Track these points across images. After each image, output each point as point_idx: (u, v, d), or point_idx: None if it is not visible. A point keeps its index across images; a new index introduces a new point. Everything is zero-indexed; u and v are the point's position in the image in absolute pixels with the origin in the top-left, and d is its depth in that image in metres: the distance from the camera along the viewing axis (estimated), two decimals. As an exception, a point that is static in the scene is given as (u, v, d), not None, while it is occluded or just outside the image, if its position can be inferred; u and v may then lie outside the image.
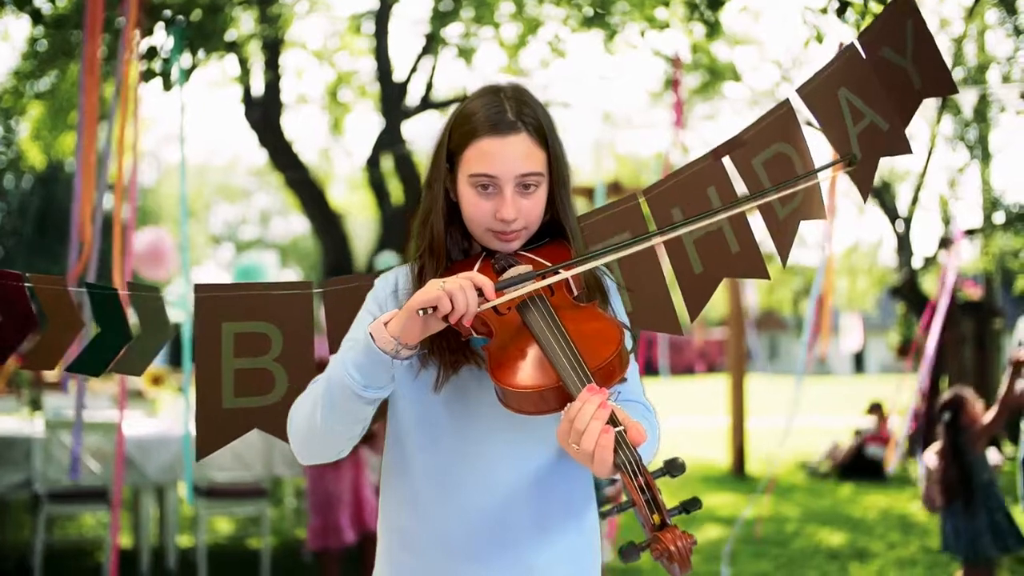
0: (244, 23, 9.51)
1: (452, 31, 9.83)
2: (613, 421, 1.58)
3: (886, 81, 2.53)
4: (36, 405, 7.80)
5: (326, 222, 11.66)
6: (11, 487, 6.63)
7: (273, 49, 10.67)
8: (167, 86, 4.99)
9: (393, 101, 11.35)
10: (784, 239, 2.47)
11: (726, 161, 2.41)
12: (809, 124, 2.53)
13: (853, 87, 2.51)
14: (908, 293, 13.58)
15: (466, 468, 1.90)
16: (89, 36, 4.00)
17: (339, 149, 18.73)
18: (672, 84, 7.93)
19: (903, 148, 2.59)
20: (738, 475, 12.17)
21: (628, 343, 1.81)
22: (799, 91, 2.49)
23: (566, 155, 1.96)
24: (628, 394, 1.91)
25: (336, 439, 1.86)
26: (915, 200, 14.38)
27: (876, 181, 14.55)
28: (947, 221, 14.48)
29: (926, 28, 2.61)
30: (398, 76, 11.42)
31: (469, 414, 1.90)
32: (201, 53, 7.87)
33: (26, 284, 2.27)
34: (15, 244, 26.12)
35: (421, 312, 1.66)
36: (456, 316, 1.67)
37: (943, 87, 2.67)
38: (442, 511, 1.90)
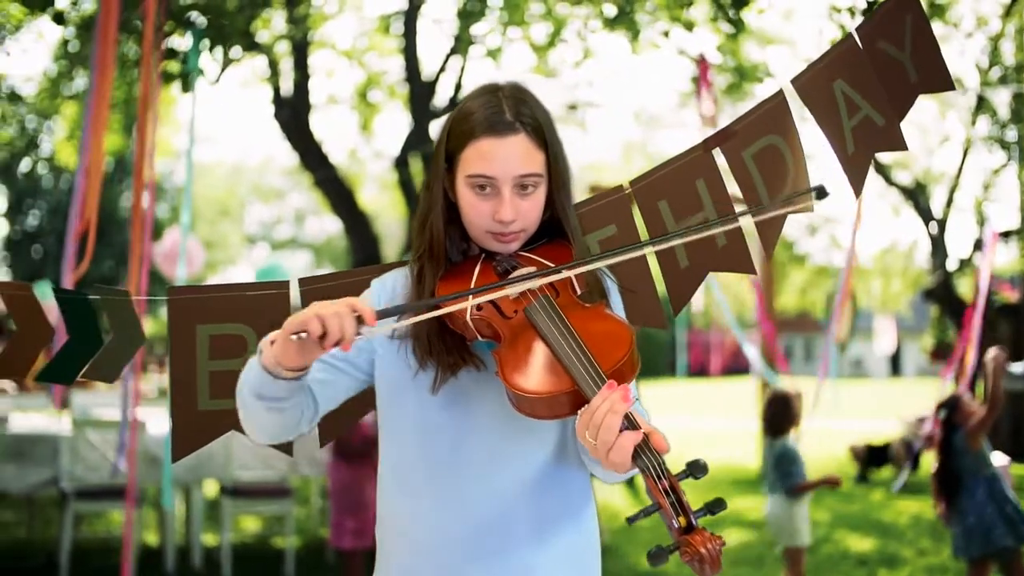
0: (275, 24, 9.56)
1: (480, 30, 9.81)
2: (632, 424, 1.58)
3: (882, 75, 2.48)
4: (64, 403, 7.88)
5: (355, 222, 11.66)
6: (38, 484, 6.70)
7: (301, 50, 10.70)
8: (186, 87, 5.00)
9: (422, 101, 11.34)
10: (771, 233, 2.43)
11: (716, 153, 2.36)
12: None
13: (849, 79, 2.46)
14: (942, 295, 13.41)
15: (464, 470, 1.88)
16: (101, 38, 4.00)
17: (369, 149, 18.77)
18: (697, 84, 7.89)
19: (898, 144, 2.54)
20: (768, 478, 12.05)
21: None
22: (793, 82, 2.44)
23: (566, 155, 1.93)
24: None
25: (267, 427, 1.85)
26: (950, 201, 14.21)
27: (910, 182, 14.47)
28: (982, 223, 14.28)
29: (927, 23, 2.56)
30: (427, 76, 11.42)
31: (467, 416, 1.89)
32: (236, 51, 7.91)
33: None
34: (54, 243, 26.48)
35: (294, 336, 1.64)
36: (330, 342, 1.62)
37: (940, 83, 2.61)
38: (441, 513, 1.89)
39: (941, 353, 13.11)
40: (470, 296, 1.78)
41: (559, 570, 1.90)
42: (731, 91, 9.12)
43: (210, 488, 8.52)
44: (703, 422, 20.22)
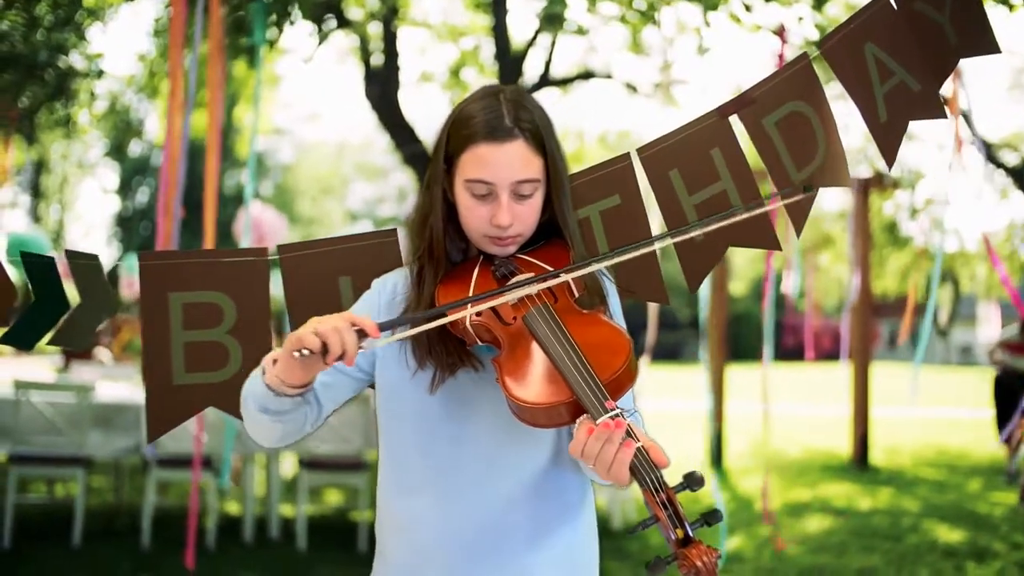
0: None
1: (569, 3, 9.67)
2: (631, 436, 1.60)
3: (918, 37, 2.32)
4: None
5: (443, 199, 11.68)
6: (123, 451, 6.91)
7: (389, 26, 10.72)
8: (252, 63, 5.02)
9: (511, 79, 11.27)
10: (799, 208, 2.29)
11: (733, 120, 2.24)
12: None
13: (882, 43, 2.30)
14: (1049, 280, 12.88)
15: (463, 471, 1.89)
16: (175, 13, 4.03)
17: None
18: (780, 59, 7.64)
19: (936, 112, 2.37)
20: (860, 465, 11.75)
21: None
22: (819, 45, 2.31)
23: (565, 158, 1.94)
24: (619, 402, 1.85)
25: (271, 436, 1.87)
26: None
27: (1018, 163, 13.88)
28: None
29: None
30: (516, 53, 11.32)
31: (465, 416, 1.90)
32: (330, 23, 7.93)
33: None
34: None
35: (296, 354, 1.62)
36: (332, 357, 1.62)
37: (983, 46, 2.44)
38: (439, 513, 1.89)
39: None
40: (469, 304, 1.80)
41: (557, 572, 1.90)
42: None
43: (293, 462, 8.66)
44: (793, 408, 19.83)
